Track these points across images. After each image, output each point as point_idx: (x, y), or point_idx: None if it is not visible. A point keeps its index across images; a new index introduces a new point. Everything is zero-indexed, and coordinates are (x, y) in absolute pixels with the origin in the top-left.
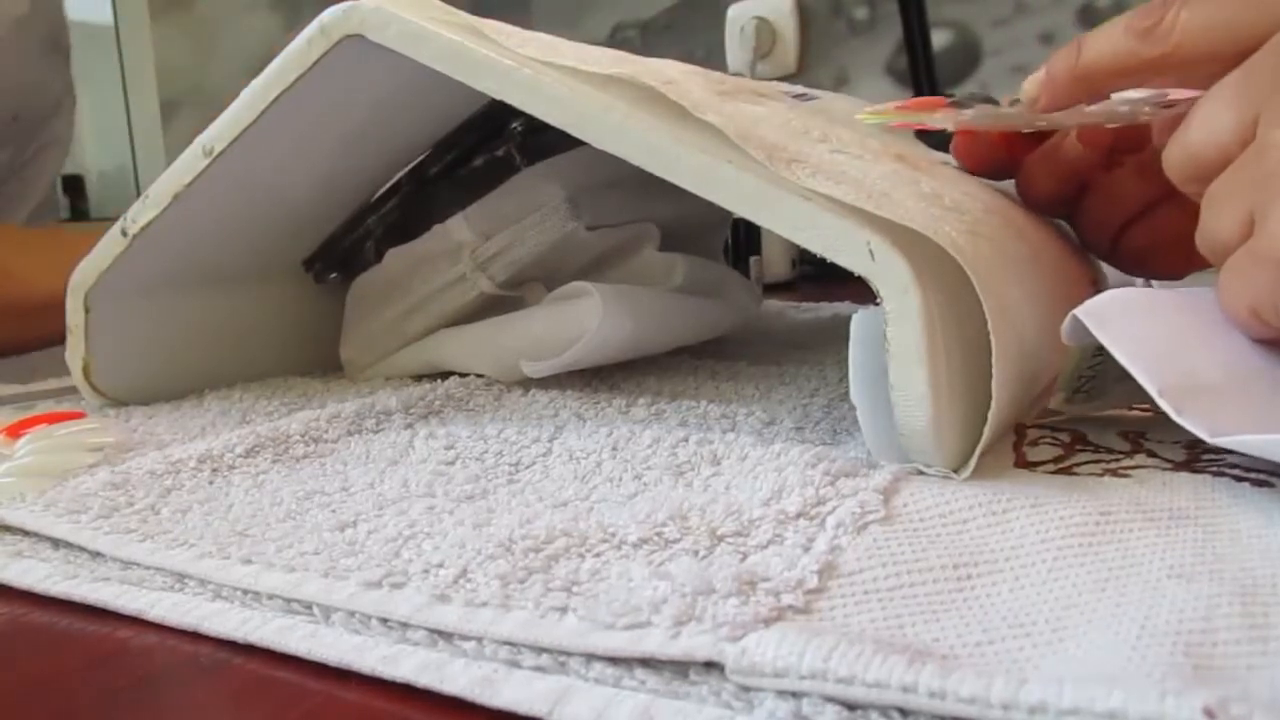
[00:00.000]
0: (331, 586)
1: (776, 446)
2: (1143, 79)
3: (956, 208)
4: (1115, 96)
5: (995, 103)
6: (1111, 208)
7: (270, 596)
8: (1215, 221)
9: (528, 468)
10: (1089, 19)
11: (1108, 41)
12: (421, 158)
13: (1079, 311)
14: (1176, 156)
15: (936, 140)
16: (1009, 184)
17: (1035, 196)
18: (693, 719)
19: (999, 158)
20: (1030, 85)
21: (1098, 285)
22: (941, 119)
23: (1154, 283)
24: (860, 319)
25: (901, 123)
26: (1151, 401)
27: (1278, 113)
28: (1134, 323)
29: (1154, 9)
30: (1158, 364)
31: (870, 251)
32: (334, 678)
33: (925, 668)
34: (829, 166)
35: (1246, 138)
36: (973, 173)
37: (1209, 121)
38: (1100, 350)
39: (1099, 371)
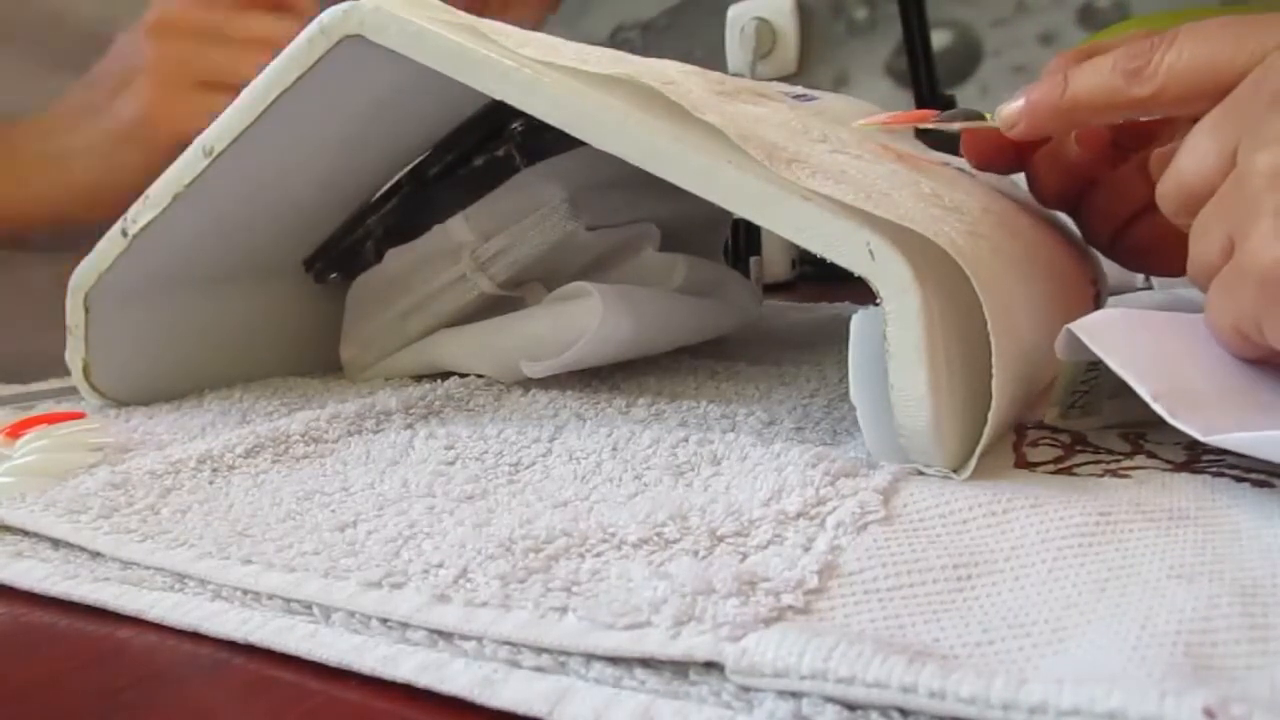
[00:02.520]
0: (331, 586)
1: (776, 447)
2: (1128, 116)
3: (956, 208)
4: None
5: (982, 117)
6: (1115, 203)
7: (270, 597)
8: (1201, 249)
9: (528, 468)
10: (1089, 19)
11: (1096, 77)
12: (421, 158)
13: (1073, 326)
14: (1169, 190)
15: (942, 143)
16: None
17: (1044, 192)
18: (693, 719)
19: (1006, 152)
20: (1006, 112)
21: (1096, 284)
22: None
23: (1154, 280)
24: (860, 319)
25: (893, 120)
26: (1146, 413)
27: (1255, 140)
28: (1127, 337)
29: (1142, 50)
30: (1151, 372)
31: (870, 252)
32: (334, 678)
33: (925, 668)
34: (829, 166)
35: (1228, 167)
36: (980, 168)
37: (1194, 154)
38: (1094, 366)
39: (1093, 387)
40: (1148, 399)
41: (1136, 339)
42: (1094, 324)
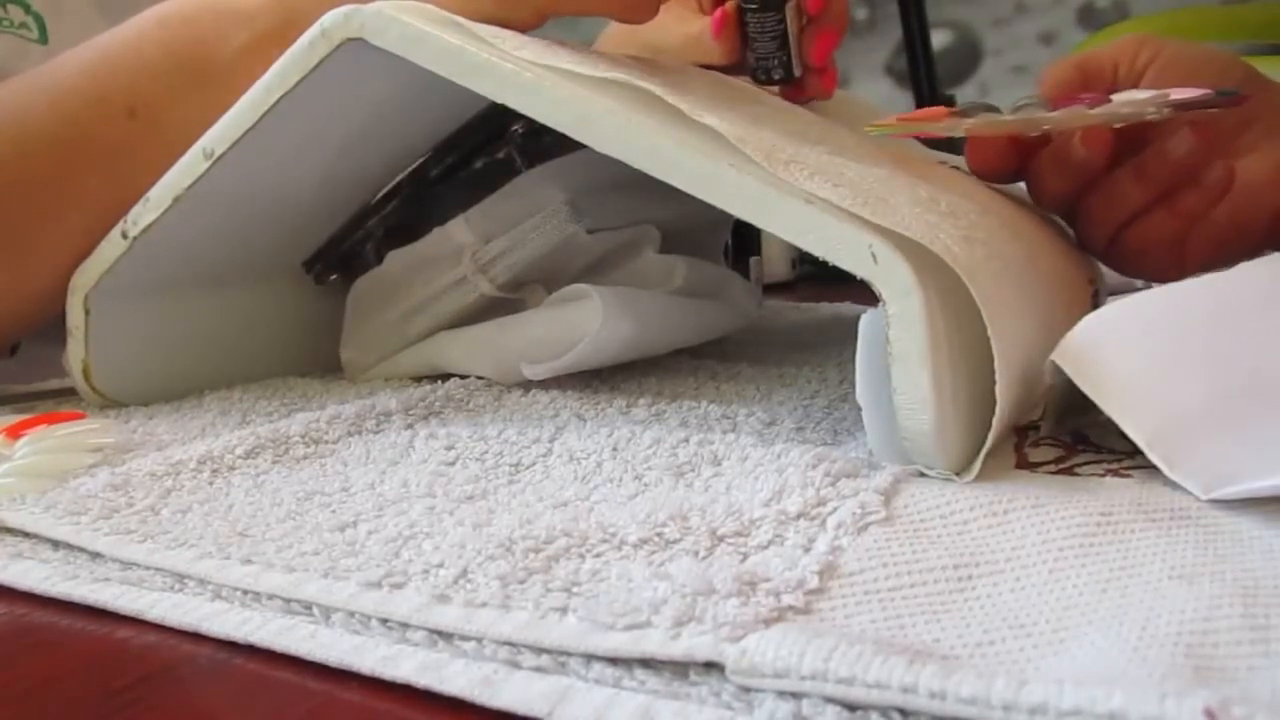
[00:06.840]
0: (331, 587)
1: (777, 447)
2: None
3: (953, 212)
4: (1117, 98)
5: (997, 110)
6: (1109, 208)
7: (270, 597)
8: None
9: (528, 468)
10: (1089, 19)
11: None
12: (422, 160)
13: (1057, 357)
14: None
15: (941, 141)
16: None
17: (1044, 195)
18: None
19: (1009, 163)
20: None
21: (1094, 284)
22: (945, 127)
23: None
24: (869, 319)
25: (904, 133)
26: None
27: None
28: (1122, 355)
29: None
30: (1145, 402)
31: (873, 255)
32: (334, 678)
33: (926, 668)
34: (827, 169)
35: None
36: (984, 179)
37: None
38: None
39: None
40: (1143, 447)
41: (1135, 353)
42: (1081, 347)
